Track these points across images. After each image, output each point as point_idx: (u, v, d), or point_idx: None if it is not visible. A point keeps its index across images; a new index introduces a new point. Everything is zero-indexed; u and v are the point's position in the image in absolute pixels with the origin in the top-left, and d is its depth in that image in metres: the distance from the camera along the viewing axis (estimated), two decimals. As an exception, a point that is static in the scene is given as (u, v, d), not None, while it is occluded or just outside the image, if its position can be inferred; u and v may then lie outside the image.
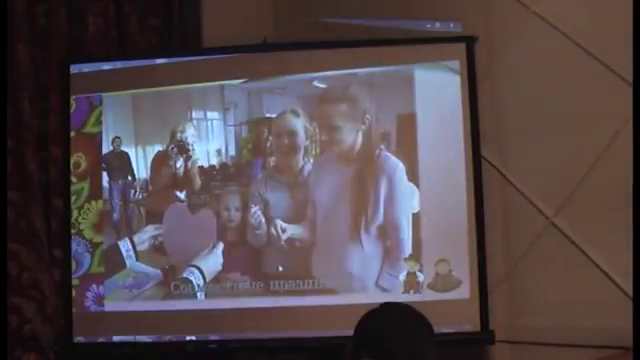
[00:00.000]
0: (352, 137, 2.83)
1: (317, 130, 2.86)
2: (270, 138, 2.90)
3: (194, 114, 2.96)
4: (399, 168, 2.80)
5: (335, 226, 2.82)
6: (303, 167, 2.86)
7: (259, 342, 2.85)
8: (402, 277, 2.77)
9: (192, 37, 3.35)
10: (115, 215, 2.95)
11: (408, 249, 2.77)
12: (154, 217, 2.95)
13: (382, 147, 2.81)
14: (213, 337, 2.87)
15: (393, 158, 2.80)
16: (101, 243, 2.93)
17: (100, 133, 2.96)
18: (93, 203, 2.94)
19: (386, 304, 1.81)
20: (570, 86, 2.66)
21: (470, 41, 2.81)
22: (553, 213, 2.70)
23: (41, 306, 2.84)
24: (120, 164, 2.96)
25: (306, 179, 2.86)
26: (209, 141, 2.94)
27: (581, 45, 2.62)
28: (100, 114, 2.96)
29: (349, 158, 2.84)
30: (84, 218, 2.94)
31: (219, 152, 2.93)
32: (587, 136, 2.61)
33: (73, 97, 2.96)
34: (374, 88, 2.85)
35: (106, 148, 2.96)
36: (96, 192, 2.95)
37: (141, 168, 2.96)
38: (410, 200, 2.78)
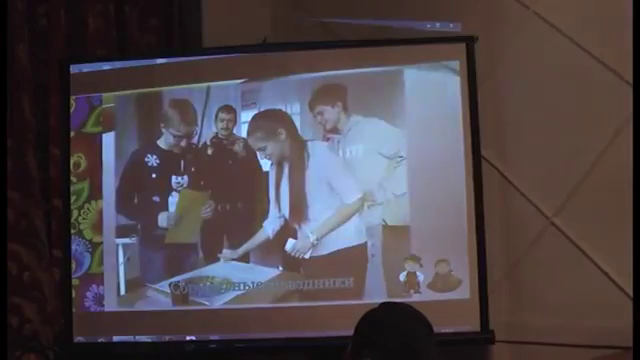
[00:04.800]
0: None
1: (317, 128, 2.87)
2: (271, 137, 2.90)
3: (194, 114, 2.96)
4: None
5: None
6: (304, 167, 2.86)
7: (259, 342, 2.85)
8: (402, 277, 2.77)
9: (192, 37, 3.35)
10: (115, 215, 2.96)
11: (408, 249, 2.77)
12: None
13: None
14: (213, 337, 2.87)
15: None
16: (101, 243, 2.93)
17: (100, 133, 2.96)
18: (93, 203, 2.94)
19: (386, 304, 1.81)
20: (570, 86, 2.66)
21: (470, 41, 2.81)
22: (553, 213, 2.70)
23: (41, 306, 2.84)
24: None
25: (305, 179, 2.86)
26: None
27: (581, 45, 2.62)
28: (100, 114, 2.96)
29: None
30: (84, 218, 2.93)
31: (219, 152, 2.94)
32: (587, 136, 2.62)
33: (73, 97, 2.95)
34: (374, 88, 2.85)
35: (107, 148, 2.96)
36: (96, 192, 2.94)
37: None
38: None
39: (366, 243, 2.80)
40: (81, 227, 2.93)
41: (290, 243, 2.85)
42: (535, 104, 2.74)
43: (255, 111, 2.92)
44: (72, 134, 2.95)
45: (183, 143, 2.95)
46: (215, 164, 2.94)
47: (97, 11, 3.11)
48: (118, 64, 3.02)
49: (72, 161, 2.94)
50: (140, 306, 2.90)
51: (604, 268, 2.56)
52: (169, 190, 2.93)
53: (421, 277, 2.76)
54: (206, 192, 2.93)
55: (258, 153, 2.91)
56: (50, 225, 2.94)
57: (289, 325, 2.82)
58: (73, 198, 2.93)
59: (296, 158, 2.87)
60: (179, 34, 3.32)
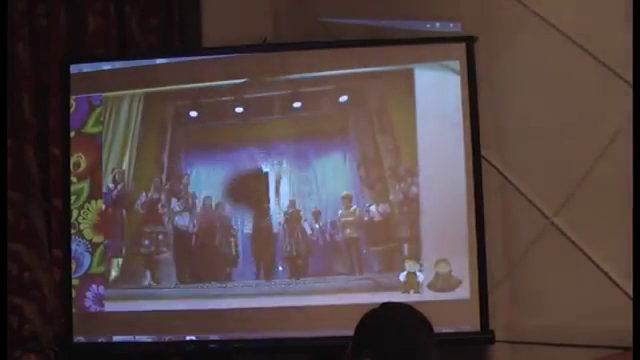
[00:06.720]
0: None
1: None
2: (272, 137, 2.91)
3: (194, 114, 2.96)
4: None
5: (334, 225, 2.83)
6: (306, 167, 2.87)
7: (259, 342, 2.85)
8: (402, 277, 2.77)
9: (192, 37, 3.35)
10: (115, 215, 2.96)
11: (408, 249, 2.77)
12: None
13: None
14: (213, 337, 2.87)
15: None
16: (101, 243, 2.93)
17: (100, 133, 2.96)
18: (93, 203, 2.94)
19: (386, 304, 1.80)
20: (570, 86, 2.66)
21: (470, 41, 2.81)
22: (553, 213, 2.70)
23: (41, 306, 2.84)
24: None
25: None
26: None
27: (581, 45, 2.62)
28: (100, 114, 2.96)
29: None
30: (84, 218, 2.94)
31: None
32: (587, 136, 2.62)
33: (73, 97, 2.96)
34: (374, 88, 2.85)
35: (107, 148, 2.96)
36: (96, 192, 2.94)
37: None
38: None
39: (366, 243, 2.80)
40: (81, 227, 2.93)
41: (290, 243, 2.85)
42: (535, 104, 2.74)
43: (255, 111, 2.93)
44: (72, 134, 2.95)
45: (183, 143, 2.96)
46: (215, 164, 2.95)
47: (97, 11, 3.11)
48: (118, 64, 3.03)
49: (72, 161, 2.94)
50: (140, 306, 2.90)
51: (604, 268, 2.56)
52: (169, 190, 2.93)
53: (421, 277, 2.76)
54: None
55: (258, 153, 2.92)
56: (50, 225, 2.94)
57: (289, 325, 2.82)
58: (73, 198, 2.93)
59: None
60: (179, 34, 3.32)
